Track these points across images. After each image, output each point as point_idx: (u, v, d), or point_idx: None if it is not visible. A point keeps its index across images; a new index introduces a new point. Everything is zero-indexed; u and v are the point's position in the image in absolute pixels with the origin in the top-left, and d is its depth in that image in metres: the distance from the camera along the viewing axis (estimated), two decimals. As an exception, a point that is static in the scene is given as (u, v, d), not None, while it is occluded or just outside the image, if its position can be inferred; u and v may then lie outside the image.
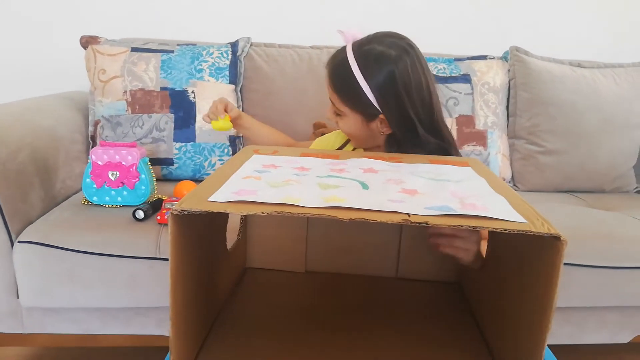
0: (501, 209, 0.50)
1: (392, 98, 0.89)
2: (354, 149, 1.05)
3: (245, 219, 0.83)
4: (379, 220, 0.45)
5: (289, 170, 0.64)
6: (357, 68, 0.90)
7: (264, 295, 0.77)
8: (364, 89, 0.89)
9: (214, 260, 0.67)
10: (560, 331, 1.19)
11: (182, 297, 0.52)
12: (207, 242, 0.63)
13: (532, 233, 0.44)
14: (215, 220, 0.67)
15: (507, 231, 0.44)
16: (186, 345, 0.55)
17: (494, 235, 0.68)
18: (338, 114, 0.97)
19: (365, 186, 0.57)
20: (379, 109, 0.91)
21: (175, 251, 0.48)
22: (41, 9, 1.71)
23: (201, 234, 0.59)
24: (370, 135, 0.96)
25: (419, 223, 0.45)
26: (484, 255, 0.71)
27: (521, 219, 0.47)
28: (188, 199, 0.49)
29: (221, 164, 1.46)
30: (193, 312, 0.57)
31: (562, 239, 0.44)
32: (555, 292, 0.44)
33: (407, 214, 0.46)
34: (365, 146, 1.02)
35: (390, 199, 0.51)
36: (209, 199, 0.49)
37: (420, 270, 0.83)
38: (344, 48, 0.94)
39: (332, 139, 1.12)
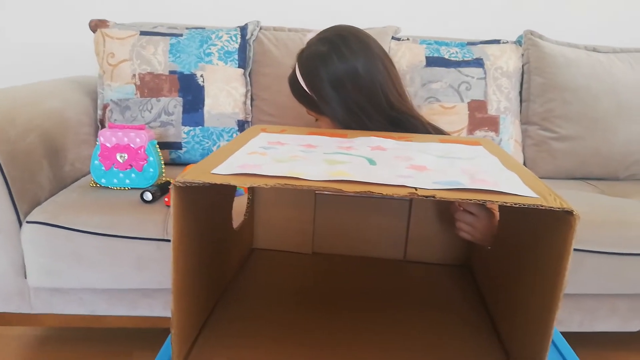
0: (512, 185, 0.48)
1: (330, 96, 0.90)
2: None
3: (252, 199, 0.82)
4: (384, 194, 0.44)
5: (295, 148, 0.63)
6: (301, 76, 0.93)
7: (270, 276, 0.76)
8: (311, 94, 0.92)
9: (220, 239, 0.66)
10: (571, 318, 1.17)
11: (185, 271, 0.51)
12: (212, 219, 0.62)
13: (543, 207, 0.43)
14: (221, 198, 0.67)
15: (517, 205, 0.43)
16: (188, 320, 0.54)
17: (504, 214, 0.66)
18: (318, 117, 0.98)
19: (372, 162, 0.56)
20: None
21: (178, 224, 0.47)
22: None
23: (206, 209, 0.58)
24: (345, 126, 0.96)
25: (426, 196, 0.43)
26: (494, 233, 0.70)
27: (533, 193, 0.46)
28: (191, 171, 0.49)
29: (230, 148, 1.45)
30: (196, 287, 0.56)
31: (574, 213, 0.42)
32: (566, 269, 0.43)
33: (415, 187, 0.45)
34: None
35: (398, 174, 0.50)
36: (212, 171, 0.49)
37: (428, 253, 0.82)
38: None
39: None
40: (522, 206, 0.43)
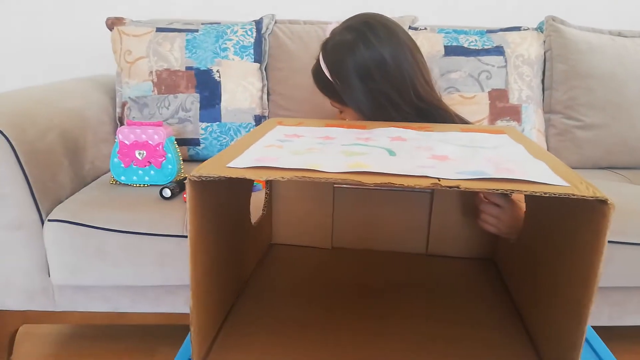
0: (541, 173, 0.46)
1: (356, 87, 0.87)
2: None
3: (270, 194, 0.81)
4: (406, 185, 0.42)
5: (312, 140, 0.61)
6: (325, 66, 0.90)
7: (289, 272, 0.75)
8: (336, 85, 0.89)
9: (237, 234, 0.66)
10: (600, 312, 1.14)
11: (203, 268, 0.50)
12: (230, 214, 0.62)
13: (575, 196, 0.41)
14: (238, 192, 0.66)
15: (547, 194, 0.41)
16: (208, 318, 0.53)
17: (531, 204, 0.64)
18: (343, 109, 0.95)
19: (392, 153, 0.54)
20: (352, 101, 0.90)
21: (194, 218, 0.46)
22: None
23: (223, 204, 0.57)
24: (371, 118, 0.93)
25: (450, 187, 0.42)
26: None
27: (563, 182, 0.44)
28: (206, 165, 0.48)
29: (247, 143, 1.45)
30: (215, 284, 0.55)
31: (609, 202, 0.40)
32: (601, 261, 0.41)
33: (437, 178, 0.43)
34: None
35: (420, 165, 0.48)
36: (227, 165, 0.48)
37: (451, 246, 0.80)
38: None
39: None
40: (552, 195, 0.41)
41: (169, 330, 1.25)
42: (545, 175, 0.46)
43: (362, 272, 0.75)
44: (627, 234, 1.06)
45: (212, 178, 0.45)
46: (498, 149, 0.57)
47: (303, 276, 0.74)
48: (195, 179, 0.44)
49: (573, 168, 1.46)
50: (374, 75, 0.86)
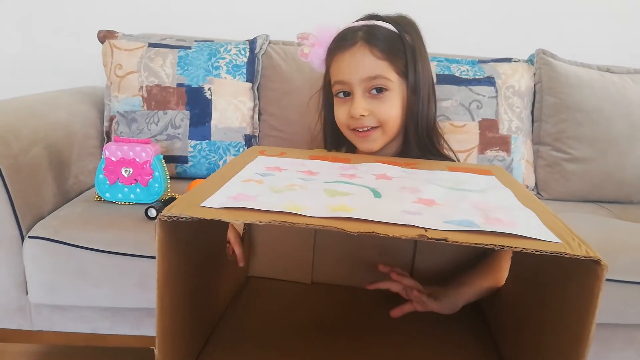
0: (531, 226, 0.45)
1: (419, 69, 0.85)
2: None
3: (248, 224, 0.79)
4: (391, 235, 0.41)
5: (294, 174, 0.60)
6: (400, 29, 0.86)
7: (266, 307, 0.72)
8: (406, 49, 0.85)
9: (212, 268, 0.63)
10: (584, 347, 1.13)
11: (171, 312, 0.48)
12: (203, 248, 0.59)
13: (567, 255, 0.40)
14: (214, 228, 0.63)
15: (538, 252, 0.40)
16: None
17: (517, 254, 0.63)
18: (379, 92, 0.84)
19: (377, 194, 0.53)
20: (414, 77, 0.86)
21: (163, 260, 0.44)
22: (58, 2, 1.70)
23: (196, 242, 0.55)
24: (400, 121, 0.87)
25: (437, 239, 0.41)
26: (502, 280, 0.67)
27: (554, 238, 0.43)
28: (179, 202, 0.46)
29: (236, 163, 1.43)
30: (184, 327, 0.53)
31: (602, 263, 0.39)
32: (593, 324, 0.40)
33: (424, 228, 0.42)
34: (388, 139, 0.89)
35: (405, 210, 0.47)
36: (201, 204, 0.46)
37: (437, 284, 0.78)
38: (364, 21, 0.88)
39: None
40: (544, 253, 0.40)
41: (149, 353, 1.21)
42: (536, 228, 0.45)
43: (342, 308, 0.72)
44: (614, 271, 1.06)
45: (184, 219, 0.43)
46: (486, 193, 0.56)
47: (280, 311, 0.71)
48: (166, 219, 0.43)
49: (561, 200, 1.45)
50: (427, 71, 0.88)
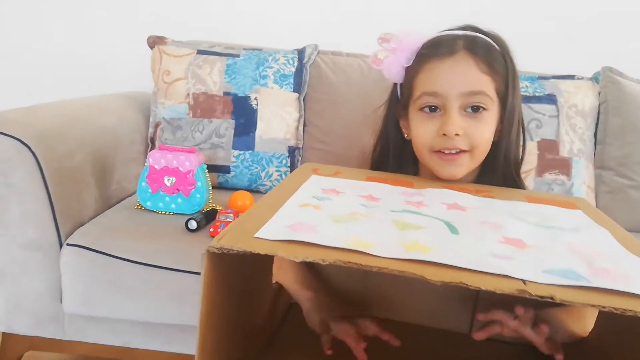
0: None
1: (513, 94, 0.76)
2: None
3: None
4: (483, 288, 0.35)
5: (354, 199, 0.54)
6: (502, 50, 0.75)
7: (310, 340, 0.66)
8: (508, 68, 0.75)
9: (257, 300, 0.58)
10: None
11: (213, 350, 0.43)
12: (251, 281, 0.54)
13: None
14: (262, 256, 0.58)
15: None
16: None
17: None
18: (475, 111, 0.73)
19: (453, 229, 0.46)
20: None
21: (209, 295, 0.39)
22: (109, 7, 1.71)
23: (244, 272, 0.50)
24: (488, 148, 0.76)
25: (542, 297, 0.34)
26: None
27: None
28: (231, 230, 0.41)
29: (278, 175, 1.39)
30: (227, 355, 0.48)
31: None
32: None
33: (522, 279, 0.36)
34: (474, 167, 0.77)
35: (492, 253, 0.41)
36: (256, 235, 0.41)
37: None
38: (462, 31, 0.78)
39: None
40: None
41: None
42: None
43: (392, 346, 0.65)
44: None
45: (234, 251, 0.38)
46: (579, 232, 0.49)
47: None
48: (215, 250, 0.38)
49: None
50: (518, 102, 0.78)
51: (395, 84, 0.83)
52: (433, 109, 0.74)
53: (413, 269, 0.36)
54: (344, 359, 0.57)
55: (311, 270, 0.72)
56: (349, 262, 0.37)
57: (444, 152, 0.73)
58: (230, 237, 0.40)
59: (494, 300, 0.67)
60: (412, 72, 0.77)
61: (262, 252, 0.38)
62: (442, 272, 0.36)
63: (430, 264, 0.37)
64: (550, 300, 0.34)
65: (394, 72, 0.79)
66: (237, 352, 0.53)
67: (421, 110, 0.75)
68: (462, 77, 0.71)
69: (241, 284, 0.51)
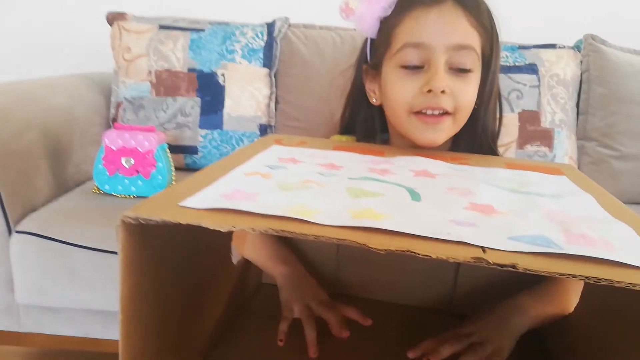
0: (633, 247, 0.32)
1: (497, 55, 0.70)
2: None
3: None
4: (434, 256, 0.29)
5: (311, 168, 0.48)
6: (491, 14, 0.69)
7: (278, 319, 0.61)
8: (493, 28, 0.68)
9: (208, 280, 0.52)
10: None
11: (138, 337, 0.37)
12: (189, 254, 0.48)
13: None
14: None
15: None
16: None
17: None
18: (462, 72, 0.66)
19: (415, 196, 0.41)
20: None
21: (128, 274, 0.33)
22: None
23: (176, 243, 0.43)
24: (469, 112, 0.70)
25: (502, 265, 0.28)
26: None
27: None
28: (154, 199, 0.35)
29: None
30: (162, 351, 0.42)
31: None
32: None
33: (482, 247, 0.30)
34: (454, 133, 0.70)
35: (454, 220, 0.35)
36: (181, 204, 0.35)
37: (483, 304, 0.63)
38: None
39: None
40: None
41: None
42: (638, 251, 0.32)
43: (366, 327, 0.60)
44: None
45: (153, 222, 0.32)
46: (561, 198, 0.43)
47: (295, 325, 0.60)
48: (132, 221, 0.31)
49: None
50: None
51: (365, 41, 0.75)
52: (414, 68, 0.65)
53: (355, 237, 0.30)
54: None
55: (286, 246, 0.67)
56: (282, 231, 0.31)
57: (425, 114, 0.65)
58: (150, 205, 0.34)
59: (475, 278, 0.62)
60: (390, 23, 0.68)
61: (184, 222, 0.32)
62: (389, 241, 0.30)
63: (377, 232, 0.31)
64: (512, 269, 0.28)
65: (367, 24, 0.70)
66: (184, 340, 0.47)
67: (401, 68, 0.66)
68: (450, 27, 0.64)
69: (183, 264, 0.45)
